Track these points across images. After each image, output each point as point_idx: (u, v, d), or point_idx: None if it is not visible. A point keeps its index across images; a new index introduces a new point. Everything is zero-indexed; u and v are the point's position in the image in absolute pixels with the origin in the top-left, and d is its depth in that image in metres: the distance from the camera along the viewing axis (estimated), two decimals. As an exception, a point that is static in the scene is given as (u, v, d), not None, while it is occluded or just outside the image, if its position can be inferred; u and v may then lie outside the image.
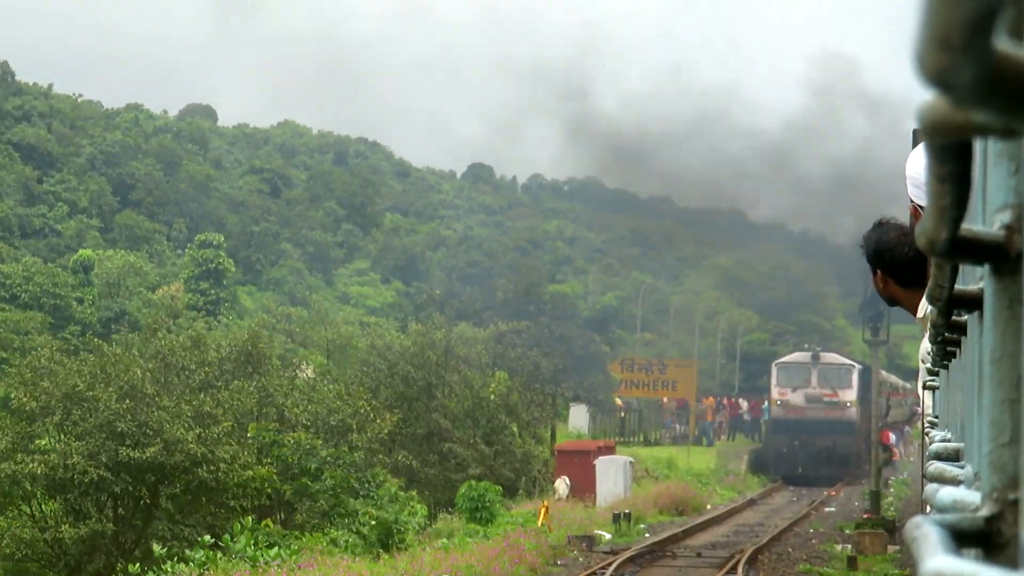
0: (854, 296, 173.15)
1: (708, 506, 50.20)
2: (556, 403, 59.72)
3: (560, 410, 63.28)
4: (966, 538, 2.24)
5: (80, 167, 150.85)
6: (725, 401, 75.20)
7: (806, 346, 66.32)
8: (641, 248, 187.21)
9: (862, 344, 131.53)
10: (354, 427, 45.78)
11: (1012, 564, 2.14)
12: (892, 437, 70.93)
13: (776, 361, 64.89)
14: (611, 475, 47.15)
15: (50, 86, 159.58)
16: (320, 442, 40.55)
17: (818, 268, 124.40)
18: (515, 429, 51.70)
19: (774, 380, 62.69)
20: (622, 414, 66.00)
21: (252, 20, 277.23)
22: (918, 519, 2.30)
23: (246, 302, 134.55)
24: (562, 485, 48.57)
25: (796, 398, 62.06)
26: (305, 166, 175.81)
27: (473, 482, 43.37)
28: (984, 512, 2.25)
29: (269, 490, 39.47)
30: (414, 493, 43.01)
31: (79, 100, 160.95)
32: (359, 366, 51.44)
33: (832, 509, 50.89)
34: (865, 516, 41.96)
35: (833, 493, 57.33)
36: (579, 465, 48.21)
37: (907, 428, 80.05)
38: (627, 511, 41.44)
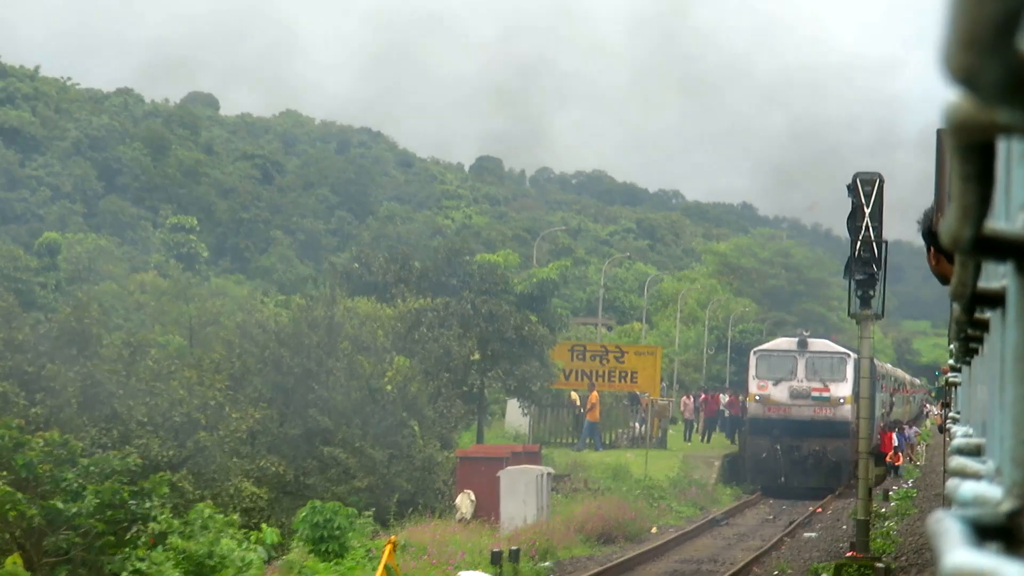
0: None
1: (653, 529, 37.37)
2: (485, 396, 46.79)
3: (491, 405, 50.17)
4: (988, 532, 2.23)
5: (64, 151, 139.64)
6: (703, 396, 61.98)
7: (797, 331, 52.74)
8: (649, 240, 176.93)
9: (876, 339, 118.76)
10: (203, 423, 35.67)
11: None
12: (895, 439, 57.65)
13: (755, 348, 51.68)
14: (520, 491, 34.34)
15: (37, 68, 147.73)
16: (81, 445, 27.98)
17: (822, 254, 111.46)
18: (416, 429, 39.01)
19: (752, 371, 49.55)
20: (579, 410, 52.92)
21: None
22: (940, 513, 2.27)
23: (235, 292, 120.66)
24: (465, 502, 36.11)
25: (779, 393, 48.90)
26: (306, 155, 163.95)
27: (317, 502, 30.69)
28: (1006, 507, 2.26)
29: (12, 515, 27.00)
30: (235, 516, 30.30)
31: (67, 83, 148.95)
32: (222, 348, 38.89)
33: (813, 535, 37.92)
34: (849, 555, 29.02)
35: (819, 510, 44.32)
36: (487, 475, 35.59)
37: (914, 429, 66.29)
38: (518, 547, 28.70)
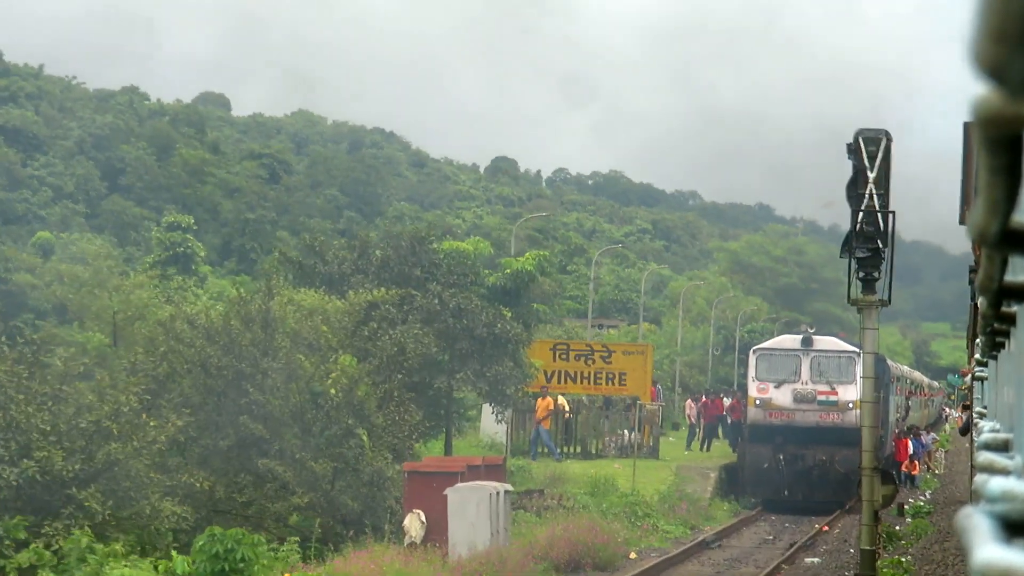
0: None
1: (632, 554, 31.99)
2: (455, 400, 41.41)
3: (469, 411, 44.82)
4: (1017, 528, 2.24)
5: (67, 150, 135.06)
6: (703, 399, 56.35)
7: (803, 328, 47.09)
8: (665, 241, 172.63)
9: (894, 340, 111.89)
10: (115, 433, 30.38)
11: None
12: (911, 447, 52.04)
13: (755, 347, 46.12)
14: (470, 512, 28.89)
15: (41, 67, 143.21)
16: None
17: (837, 251, 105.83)
18: (364, 438, 33.68)
19: (752, 372, 44.08)
20: (567, 414, 47.45)
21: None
22: (968, 509, 2.34)
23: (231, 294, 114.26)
24: (415, 523, 30.98)
25: (781, 396, 43.36)
26: (315, 155, 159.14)
27: (218, 529, 25.43)
28: None
29: None
30: (118, 546, 25.20)
31: (72, 82, 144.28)
32: (144, 346, 33.67)
33: (816, 560, 32.52)
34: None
35: (825, 529, 38.85)
36: (440, 493, 30.34)
37: (931, 435, 60.35)
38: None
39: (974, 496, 3.89)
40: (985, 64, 1.24)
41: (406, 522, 30.93)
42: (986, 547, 2.02)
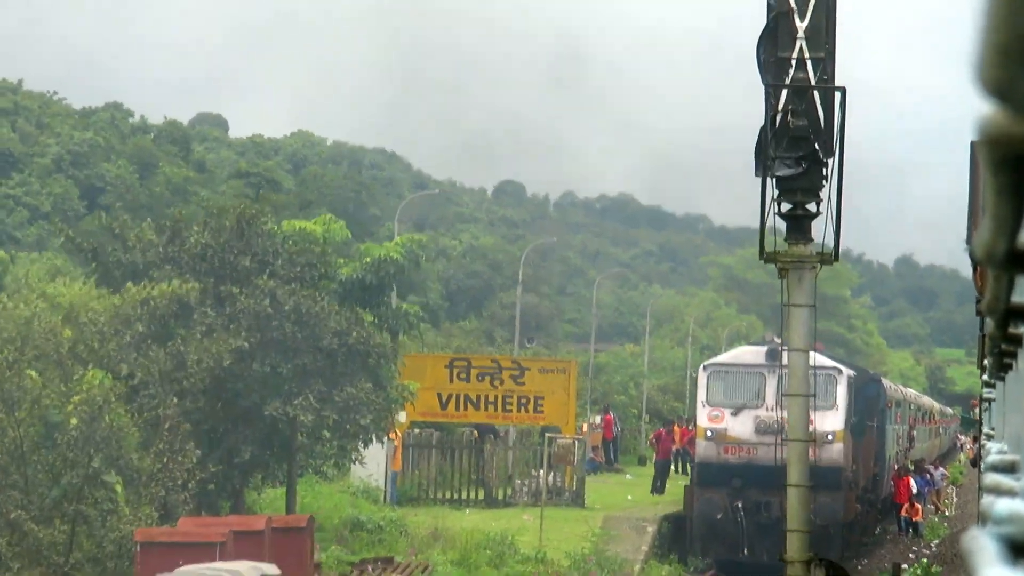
0: (885, 303, 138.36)
1: None
2: (294, 431, 30.11)
3: (324, 453, 33.43)
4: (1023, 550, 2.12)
5: (44, 168, 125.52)
6: (656, 433, 44.55)
7: (768, 337, 35.70)
8: (671, 264, 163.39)
9: (905, 364, 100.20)
10: None
11: None
12: (914, 485, 40.49)
13: (706, 363, 34.77)
14: None
15: (20, 82, 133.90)
16: None
17: (840, 267, 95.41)
18: (118, 488, 23.13)
19: (703, 395, 32.91)
20: (473, 438, 36.03)
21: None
22: (975, 531, 2.32)
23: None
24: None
25: (739, 426, 31.99)
26: (308, 174, 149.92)
27: None
28: None
29: None
30: None
31: (51, 98, 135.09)
32: None
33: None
34: None
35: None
36: (178, 576, 19.67)
37: (940, 471, 47.98)
38: None
39: (981, 518, 4.22)
40: (990, 83, 1.21)
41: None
42: (992, 569, 1.98)
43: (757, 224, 18.20)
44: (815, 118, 15.02)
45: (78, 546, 22.97)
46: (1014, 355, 5.14)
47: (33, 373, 23.70)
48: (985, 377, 9.57)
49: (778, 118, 14.97)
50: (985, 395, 10.52)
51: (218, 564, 19.70)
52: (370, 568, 25.67)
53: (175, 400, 24.46)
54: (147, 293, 26.25)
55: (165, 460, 23.81)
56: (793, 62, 15.07)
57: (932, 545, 36.15)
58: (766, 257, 16.95)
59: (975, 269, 7.29)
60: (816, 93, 15.05)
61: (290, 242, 29.68)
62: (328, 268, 29.54)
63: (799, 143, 14.88)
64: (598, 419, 50.31)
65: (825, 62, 15.14)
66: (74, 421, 23.16)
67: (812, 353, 33.99)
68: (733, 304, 79.19)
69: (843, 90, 15.26)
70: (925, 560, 32.81)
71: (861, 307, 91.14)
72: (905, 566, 31.78)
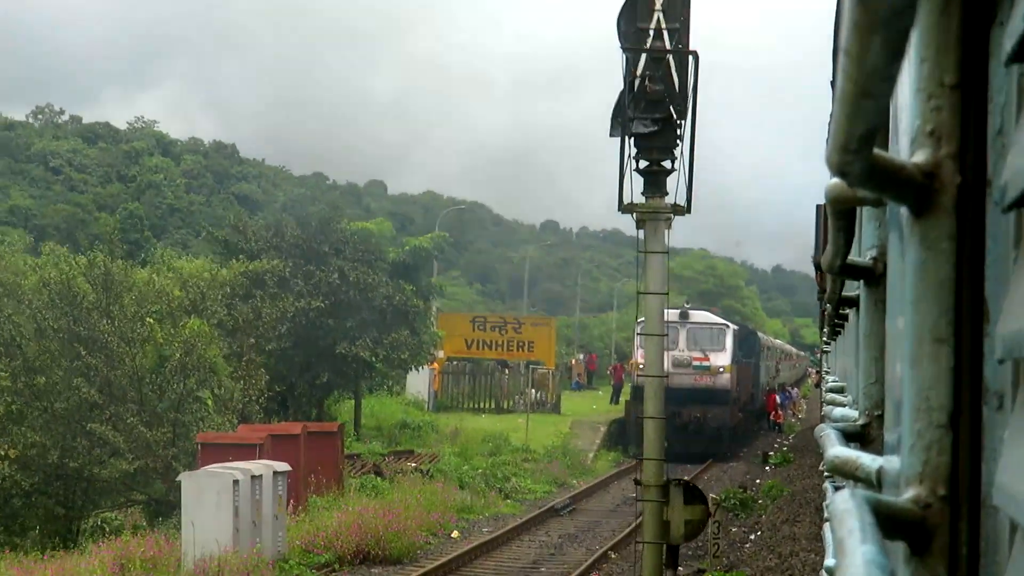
0: (765, 292, 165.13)
1: (454, 533, 29.05)
2: (359, 363, 43.53)
3: (379, 377, 47.37)
4: (850, 437, 3.69)
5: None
6: (613, 366, 63.10)
7: (683, 304, 51.84)
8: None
9: (776, 326, 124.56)
10: None
11: (877, 452, 3.35)
12: (779, 399, 60.43)
13: (639, 319, 50.62)
14: (211, 502, 22.68)
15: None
16: None
17: (739, 267, 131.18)
18: (208, 402, 31.88)
19: (637, 341, 48.56)
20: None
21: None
22: (822, 425, 4.32)
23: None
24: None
25: (661, 362, 47.89)
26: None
27: None
28: (860, 421, 3.87)
29: None
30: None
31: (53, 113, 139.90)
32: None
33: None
34: None
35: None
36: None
37: (795, 390, 72.36)
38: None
39: (824, 418, 5.61)
40: (835, 166, 1.60)
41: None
42: (834, 448, 2.97)
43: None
44: (669, 81, 16.40)
45: (179, 442, 30.06)
46: (842, 326, 7.55)
47: (151, 319, 31.08)
48: (825, 338, 13.31)
49: (636, 83, 16.54)
50: (824, 349, 15.49)
51: (215, 468, 23.12)
52: (402, 459, 37.56)
53: (252, 341, 34.56)
54: (245, 267, 37.66)
55: (243, 383, 32.42)
56: (651, 32, 16.63)
57: (790, 438, 52.31)
58: (623, 208, 17.68)
59: (818, 273, 9.89)
60: (672, 59, 16.30)
61: (355, 236, 43.88)
62: (380, 253, 44.25)
63: (656, 106, 16.53)
64: (581, 356, 68.26)
65: (680, 32, 16.75)
66: (177, 355, 30.65)
67: (710, 313, 50.28)
68: (673, 290, 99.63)
69: (695, 54, 16.88)
70: (785, 448, 48.85)
71: (750, 292, 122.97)
72: (771, 453, 47.60)
